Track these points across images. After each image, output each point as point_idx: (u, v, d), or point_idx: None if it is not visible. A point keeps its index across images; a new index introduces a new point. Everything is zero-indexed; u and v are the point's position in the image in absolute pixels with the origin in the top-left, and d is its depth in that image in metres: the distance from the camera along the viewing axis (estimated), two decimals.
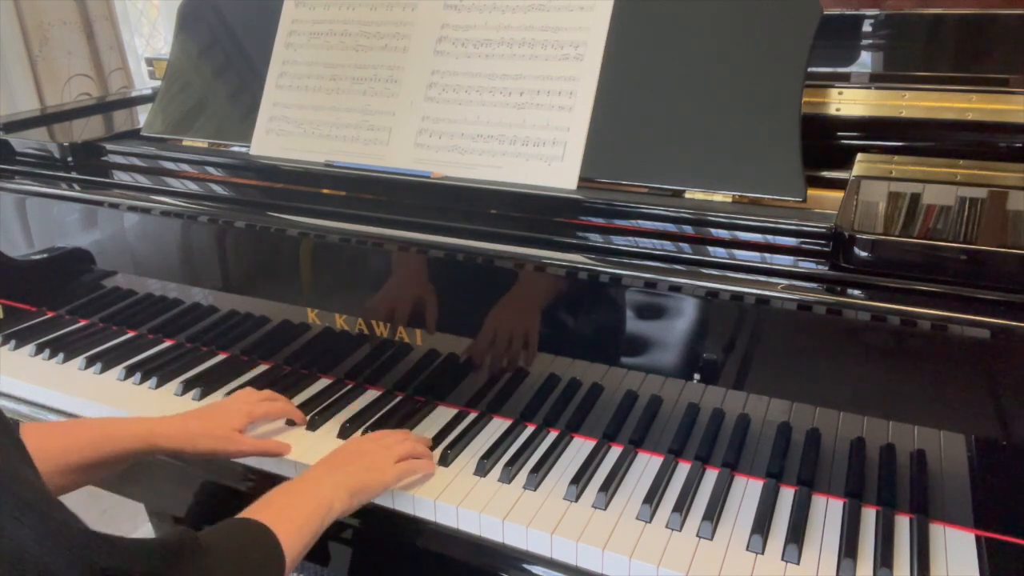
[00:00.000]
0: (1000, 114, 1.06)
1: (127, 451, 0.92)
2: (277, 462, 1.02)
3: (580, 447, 1.03)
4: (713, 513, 0.88)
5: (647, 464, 0.99)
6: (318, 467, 0.92)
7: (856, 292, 0.82)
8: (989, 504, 0.84)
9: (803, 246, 0.89)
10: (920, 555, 0.82)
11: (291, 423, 1.09)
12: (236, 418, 1.01)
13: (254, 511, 0.80)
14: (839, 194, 0.95)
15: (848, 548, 0.83)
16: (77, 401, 1.17)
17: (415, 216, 1.05)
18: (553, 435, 1.04)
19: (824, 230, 0.87)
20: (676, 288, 0.89)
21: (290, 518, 0.81)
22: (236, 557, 0.75)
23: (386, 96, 1.16)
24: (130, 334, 1.34)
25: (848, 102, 1.12)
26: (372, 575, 1.03)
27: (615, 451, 1.01)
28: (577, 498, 0.93)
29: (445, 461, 1.00)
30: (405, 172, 1.11)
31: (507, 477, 0.96)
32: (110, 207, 1.24)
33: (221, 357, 1.27)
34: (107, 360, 1.25)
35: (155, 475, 1.13)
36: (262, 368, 1.23)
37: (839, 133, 1.15)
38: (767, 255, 0.89)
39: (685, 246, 0.92)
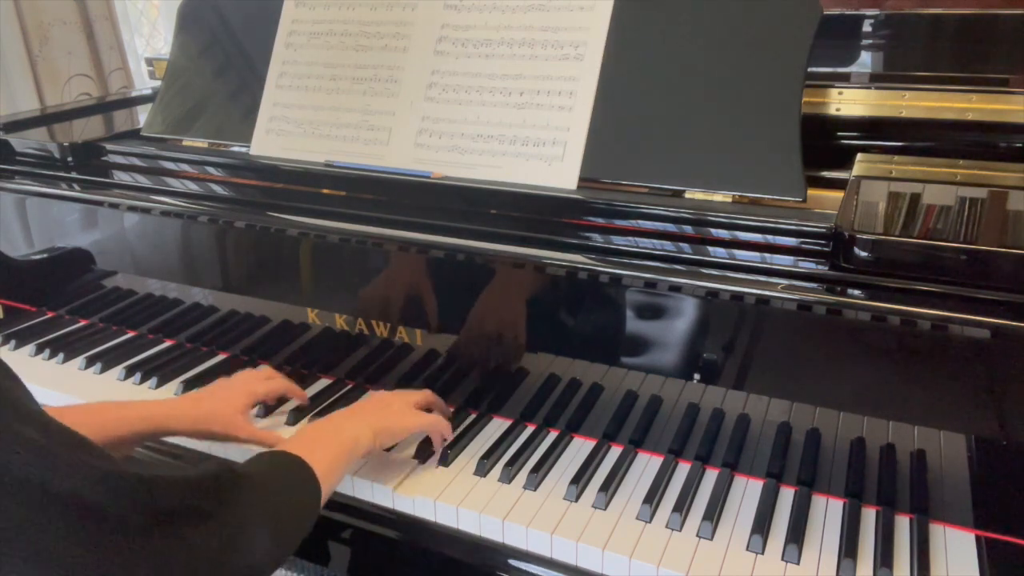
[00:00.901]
0: (1000, 114, 1.06)
1: (137, 433, 0.94)
2: None
3: (580, 447, 1.03)
4: (713, 513, 0.88)
5: (647, 464, 0.99)
6: (342, 411, 0.97)
7: (856, 292, 0.82)
8: (989, 504, 0.84)
9: (803, 246, 0.89)
10: (920, 555, 0.82)
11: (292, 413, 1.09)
12: (241, 399, 1.02)
13: (290, 445, 0.83)
14: (839, 194, 0.95)
15: (848, 548, 0.83)
16: (77, 401, 1.17)
17: (415, 216, 1.05)
18: (553, 435, 1.04)
19: (824, 230, 0.87)
20: (676, 288, 0.89)
21: (322, 453, 0.84)
22: (277, 486, 0.77)
23: (386, 96, 1.16)
24: (130, 334, 1.34)
25: (848, 102, 1.12)
26: (372, 575, 1.03)
27: (615, 451, 1.01)
28: (577, 498, 0.93)
29: (445, 461, 1.00)
30: (405, 172, 1.11)
31: (507, 477, 0.96)
32: (110, 207, 1.24)
33: (221, 357, 1.27)
34: (107, 360, 1.25)
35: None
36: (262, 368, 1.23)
37: (839, 133, 1.15)
38: (767, 255, 0.89)
39: (685, 246, 0.92)
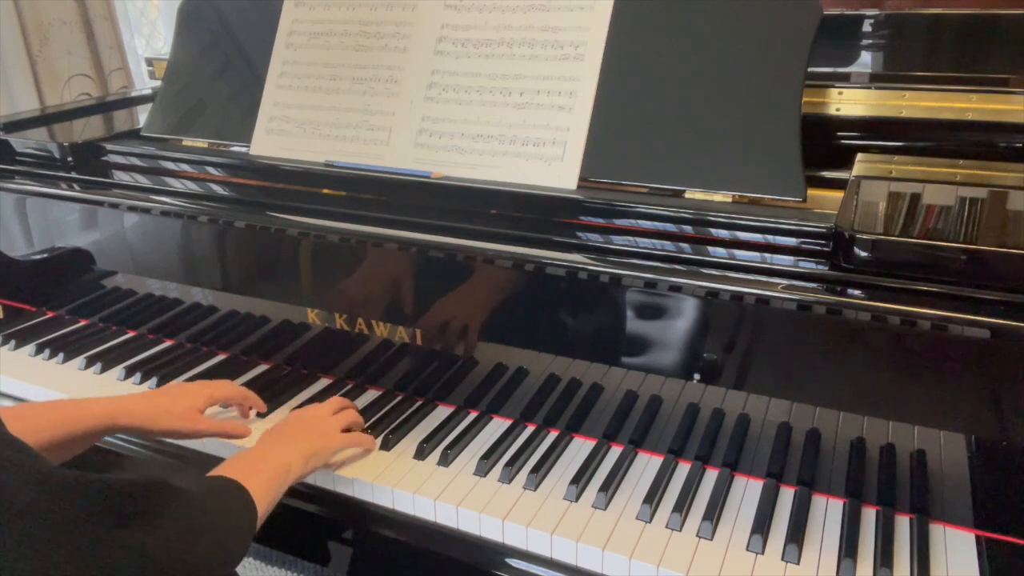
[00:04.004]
0: (1000, 114, 1.06)
1: (92, 429, 0.94)
2: None
3: (580, 447, 1.03)
4: (713, 513, 0.88)
5: (647, 464, 0.99)
6: (271, 436, 0.96)
7: (856, 292, 0.82)
8: (989, 504, 0.84)
9: (803, 246, 0.89)
10: (920, 555, 0.82)
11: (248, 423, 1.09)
12: (198, 399, 1.02)
13: (223, 471, 0.84)
14: (839, 194, 0.95)
15: (848, 548, 0.84)
16: None
17: (415, 216, 1.05)
18: (553, 435, 1.04)
19: (824, 230, 0.87)
20: (676, 288, 0.89)
21: (257, 479, 0.84)
22: (212, 502, 0.77)
23: (386, 96, 1.16)
24: (130, 334, 1.34)
25: (848, 102, 1.12)
26: (371, 575, 1.03)
27: (615, 451, 1.01)
28: (577, 498, 0.93)
29: (445, 461, 1.00)
30: (405, 172, 1.11)
31: (507, 477, 0.96)
32: (110, 207, 1.24)
33: (221, 357, 1.27)
34: (107, 360, 1.25)
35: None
36: (262, 368, 1.23)
37: (839, 133, 1.15)
38: (767, 255, 0.89)
39: (685, 246, 0.92)
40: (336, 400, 1.06)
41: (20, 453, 0.61)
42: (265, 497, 0.84)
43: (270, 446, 0.94)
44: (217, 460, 1.07)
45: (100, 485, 0.64)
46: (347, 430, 1.03)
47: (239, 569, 1.63)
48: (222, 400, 1.07)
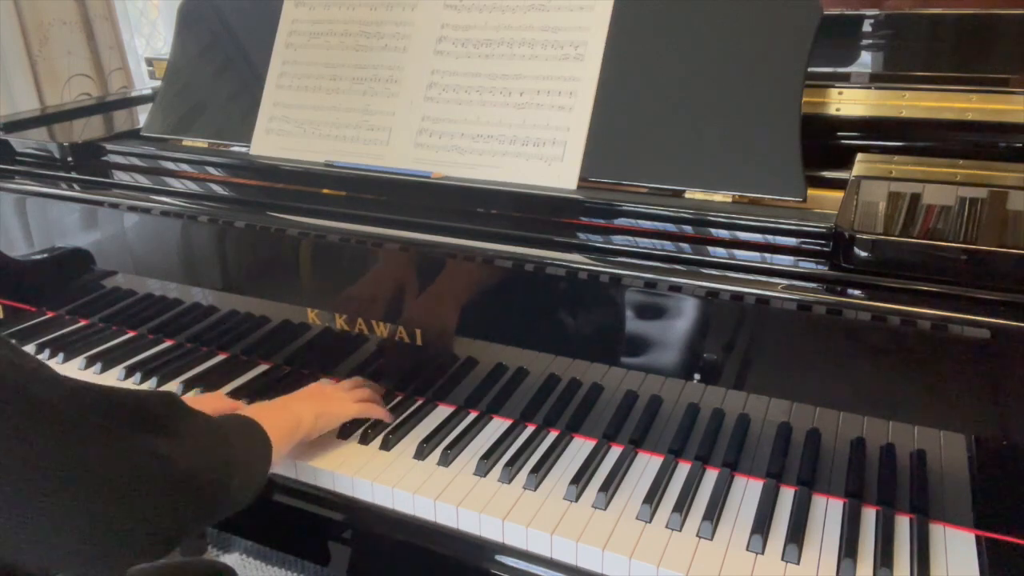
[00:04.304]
0: (1000, 114, 1.06)
1: None
2: (286, 465, 1.02)
3: (580, 447, 1.03)
4: (713, 513, 0.88)
5: (647, 464, 0.99)
6: (285, 397, 1.03)
7: (856, 292, 0.82)
8: (989, 504, 0.84)
9: (803, 246, 0.89)
10: (920, 555, 0.82)
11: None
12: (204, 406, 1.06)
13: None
14: (839, 194, 0.95)
15: (848, 548, 0.84)
16: None
17: (415, 216, 1.05)
18: (553, 435, 1.04)
19: (824, 230, 0.87)
20: (676, 288, 0.89)
21: (271, 422, 0.89)
22: (228, 428, 0.84)
23: (386, 96, 1.16)
24: (130, 334, 1.34)
25: (848, 102, 1.12)
26: (371, 575, 1.03)
27: (615, 451, 1.01)
28: (577, 498, 0.93)
29: (446, 461, 1.00)
30: (405, 172, 1.11)
31: (507, 477, 0.96)
32: (110, 207, 1.24)
33: (221, 357, 1.27)
34: (107, 360, 1.25)
35: None
36: (262, 368, 1.23)
37: (839, 133, 1.15)
38: (767, 255, 0.89)
39: (685, 246, 0.92)
40: (355, 379, 1.12)
41: (47, 369, 0.66)
42: (278, 441, 0.89)
43: (282, 401, 1.00)
44: None
45: (125, 397, 0.70)
46: None
47: (239, 569, 1.63)
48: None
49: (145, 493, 0.67)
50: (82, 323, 1.38)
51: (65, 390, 0.65)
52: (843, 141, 1.15)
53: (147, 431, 0.70)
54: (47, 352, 1.29)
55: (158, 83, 1.48)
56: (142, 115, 1.46)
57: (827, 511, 0.90)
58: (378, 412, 1.07)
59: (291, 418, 0.95)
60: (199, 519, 0.75)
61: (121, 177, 1.29)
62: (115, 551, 0.67)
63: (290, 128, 1.23)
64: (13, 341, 1.31)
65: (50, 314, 1.41)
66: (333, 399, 1.03)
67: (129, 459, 0.67)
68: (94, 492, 0.64)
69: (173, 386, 1.18)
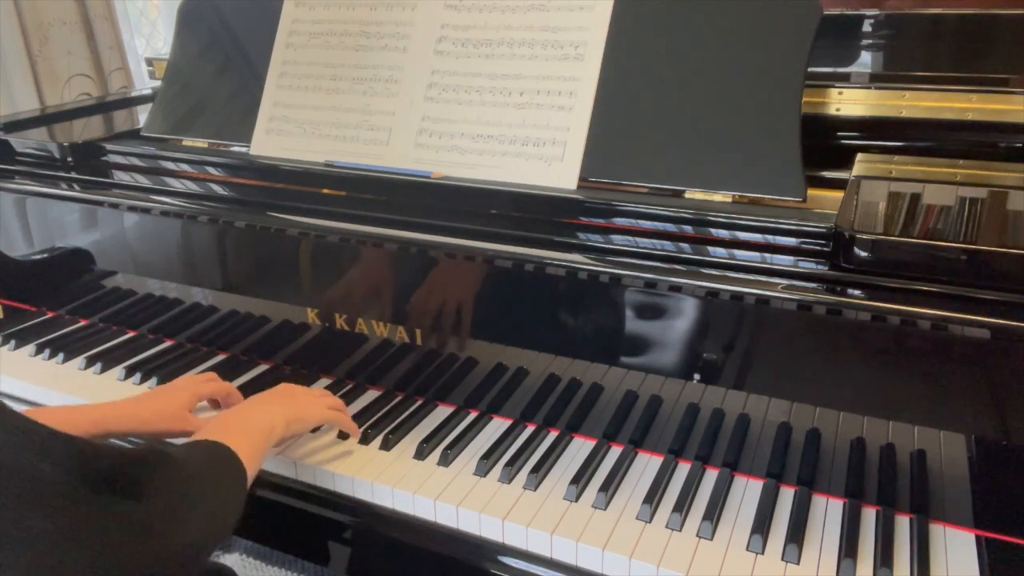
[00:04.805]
0: (1000, 114, 1.06)
1: (86, 435, 0.95)
2: (280, 462, 1.02)
3: (580, 447, 1.03)
4: (713, 513, 0.88)
5: (647, 464, 0.99)
6: (254, 398, 0.99)
7: (856, 292, 0.82)
8: (989, 504, 0.84)
9: (803, 246, 0.89)
10: (920, 555, 0.82)
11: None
12: (184, 397, 1.04)
13: (209, 434, 0.85)
14: (839, 194, 0.95)
15: (848, 548, 0.84)
16: (77, 401, 1.17)
17: (415, 216, 1.05)
18: (553, 435, 1.04)
19: (824, 230, 0.87)
20: (676, 288, 0.89)
21: (243, 439, 0.86)
22: (204, 469, 0.80)
23: (386, 96, 1.16)
24: (130, 334, 1.34)
25: (848, 102, 1.12)
26: (371, 575, 1.03)
27: (615, 451, 1.01)
28: (577, 498, 0.93)
29: (445, 461, 1.00)
30: (405, 172, 1.11)
31: (507, 477, 0.96)
32: (110, 207, 1.24)
33: (221, 357, 1.27)
34: (107, 360, 1.25)
35: None
36: (262, 368, 1.23)
37: (839, 133, 1.15)
38: (767, 255, 0.89)
39: (685, 246, 0.92)
40: (322, 390, 1.10)
41: (21, 419, 0.63)
42: (253, 459, 0.86)
43: (253, 405, 0.96)
44: None
45: (98, 453, 0.67)
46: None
47: (239, 569, 1.63)
48: (207, 396, 1.09)
49: (120, 560, 0.64)
50: (82, 323, 1.38)
51: (36, 442, 0.61)
52: (843, 141, 1.15)
53: (118, 493, 0.66)
54: (47, 352, 1.29)
55: (158, 83, 1.48)
56: (142, 115, 1.46)
57: (827, 511, 0.90)
58: (347, 423, 1.04)
59: (264, 427, 0.91)
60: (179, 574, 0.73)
61: (121, 177, 1.29)
62: None
63: (290, 128, 1.23)
64: (13, 342, 1.32)
65: (50, 314, 1.41)
66: (304, 403, 1.00)
67: (99, 527, 0.63)
68: (67, 563, 0.60)
69: None
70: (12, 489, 0.59)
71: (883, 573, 0.80)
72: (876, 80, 1.19)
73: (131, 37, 2.54)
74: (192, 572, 0.73)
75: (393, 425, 1.06)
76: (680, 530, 0.88)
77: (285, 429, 0.95)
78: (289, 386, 1.04)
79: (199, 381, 1.09)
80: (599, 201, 0.99)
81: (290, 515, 1.02)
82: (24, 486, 0.59)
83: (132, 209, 1.22)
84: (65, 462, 0.63)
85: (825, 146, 1.12)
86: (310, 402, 1.01)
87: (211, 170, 1.25)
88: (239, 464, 0.83)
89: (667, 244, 0.93)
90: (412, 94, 1.15)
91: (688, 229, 0.94)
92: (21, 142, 1.37)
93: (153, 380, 1.19)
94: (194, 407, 1.05)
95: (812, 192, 0.95)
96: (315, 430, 1.06)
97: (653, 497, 0.91)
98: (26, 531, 0.58)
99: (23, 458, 0.60)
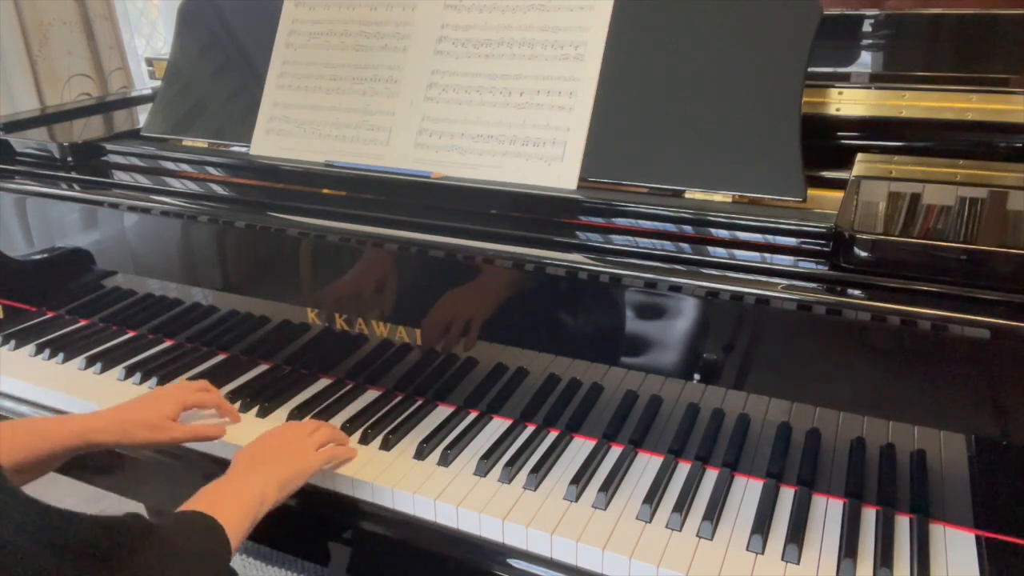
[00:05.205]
0: (1000, 114, 1.06)
1: (64, 448, 0.94)
2: None
3: (580, 447, 1.03)
4: (713, 513, 0.88)
5: (647, 464, 0.99)
6: (243, 461, 0.93)
7: (856, 292, 0.82)
8: (989, 504, 0.84)
9: (803, 246, 0.89)
10: (920, 555, 0.82)
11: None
12: (168, 406, 1.02)
13: (194, 504, 0.83)
14: (839, 194, 0.95)
15: (848, 548, 0.84)
16: (77, 401, 1.17)
17: (415, 216, 1.05)
18: (553, 435, 1.04)
19: (824, 230, 0.87)
20: (676, 288, 0.89)
21: (231, 511, 0.83)
22: (185, 541, 0.77)
23: (386, 96, 1.16)
24: (130, 334, 1.34)
25: (848, 102, 1.12)
26: (371, 575, 1.03)
27: (615, 451, 1.01)
28: (577, 498, 0.93)
29: (445, 461, 1.00)
30: (405, 172, 1.11)
31: (507, 477, 0.96)
32: (110, 207, 1.24)
33: (221, 357, 1.27)
34: (107, 360, 1.25)
35: (155, 475, 1.13)
36: (262, 368, 1.23)
37: (839, 133, 1.15)
38: (767, 255, 0.89)
39: (685, 246, 0.92)
40: (311, 422, 1.05)
41: (3, 491, 0.61)
42: (238, 529, 0.83)
43: (243, 474, 0.91)
44: (216, 459, 1.07)
45: (77, 526, 0.65)
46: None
47: (240, 569, 1.63)
48: (192, 405, 1.07)
49: None
50: (82, 323, 1.38)
51: (18, 521, 0.61)
52: (843, 141, 1.15)
53: (98, 567, 0.65)
54: (47, 352, 1.29)
55: (158, 83, 1.48)
56: (142, 115, 1.46)
57: (827, 511, 0.90)
58: (343, 454, 1.00)
59: (254, 498, 0.87)
60: None
61: (121, 177, 1.29)
62: None
63: (290, 128, 1.23)
64: (13, 342, 1.32)
65: (50, 314, 1.41)
66: (296, 456, 0.95)
67: None
68: None
69: None
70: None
71: (883, 573, 0.80)
72: (876, 80, 1.19)
73: (131, 37, 2.54)
74: None
75: (393, 425, 1.06)
76: (680, 530, 0.88)
77: (278, 494, 0.90)
78: (278, 435, 0.98)
79: (188, 389, 1.08)
80: (599, 201, 0.99)
81: (290, 515, 1.01)
82: (5, 560, 0.59)
83: (132, 209, 1.22)
84: (40, 535, 0.62)
85: (825, 146, 1.12)
86: (301, 450, 0.96)
87: (211, 170, 1.25)
88: (223, 538, 0.80)
89: (667, 244, 0.93)
90: (412, 94, 1.15)
91: (688, 229, 0.94)
92: (21, 142, 1.37)
93: (153, 380, 1.19)
94: (178, 416, 1.03)
95: (812, 192, 0.95)
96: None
97: (653, 497, 0.91)
98: None
99: (4, 533, 0.59)
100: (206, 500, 0.84)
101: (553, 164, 1.04)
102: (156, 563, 0.71)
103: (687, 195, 0.99)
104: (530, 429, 1.06)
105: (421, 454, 1.01)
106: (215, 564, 0.79)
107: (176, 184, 1.23)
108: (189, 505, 0.83)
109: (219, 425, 1.07)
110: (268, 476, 0.90)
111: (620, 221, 0.97)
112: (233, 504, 0.84)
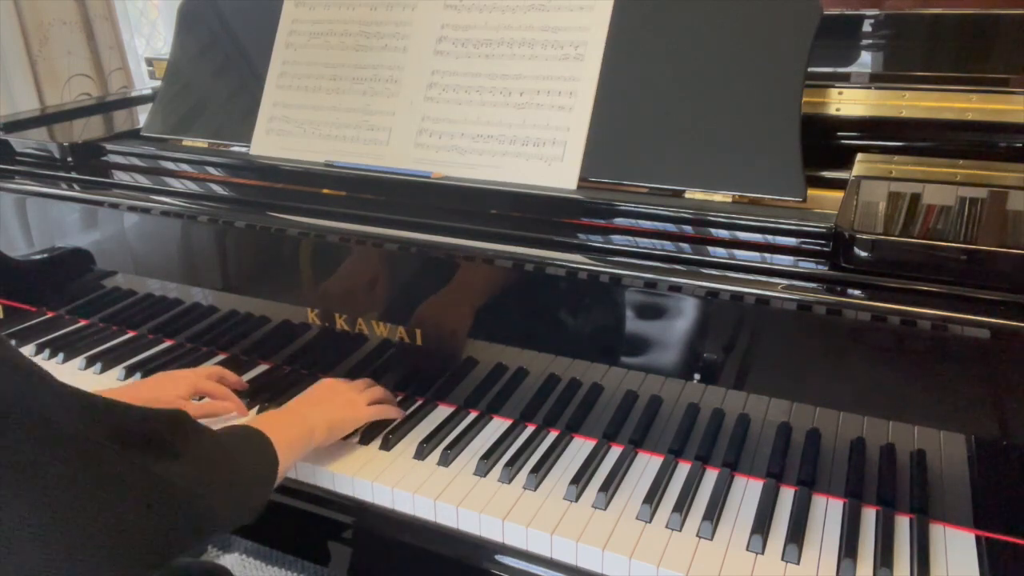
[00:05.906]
0: (1000, 114, 1.06)
1: None
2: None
3: (580, 447, 1.03)
4: (713, 513, 0.88)
5: (647, 464, 0.99)
6: (300, 398, 1.02)
7: (856, 292, 0.82)
8: (989, 504, 0.84)
9: (803, 246, 0.89)
10: (920, 555, 0.82)
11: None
12: (182, 386, 1.05)
13: (250, 423, 0.87)
14: (839, 194, 0.95)
15: (848, 548, 0.84)
16: None
17: (415, 216, 1.05)
18: (553, 435, 1.04)
19: (824, 230, 0.87)
20: (676, 288, 0.89)
21: (282, 435, 0.87)
22: (236, 445, 0.81)
23: (386, 96, 1.16)
24: (130, 334, 1.34)
25: (848, 102, 1.12)
26: (371, 575, 1.03)
27: (615, 451, 1.01)
28: (577, 498, 0.93)
29: (445, 461, 1.00)
30: (405, 172, 1.11)
31: (507, 477, 0.96)
32: (110, 207, 1.24)
33: (221, 357, 1.27)
34: (107, 360, 1.25)
35: None
36: (262, 368, 1.23)
37: (839, 133, 1.15)
38: (767, 255, 0.89)
39: (685, 246, 0.92)
40: (364, 380, 1.10)
41: (58, 383, 0.63)
42: (287, 453, 0.87)
43: (298, 406, 0.98)
44: None
45: (134, 414, 0.68)
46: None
47: (239, 569, 1.63)
48: (203, 391, 1.09)
49: (143, 517, 0.65)
50: (82, 323, 1.38)
51: (76, 408, 0.63)
52: (843, 141, 1.15)
53: (153, 454, 0.68)
54: (47, 352, 1.29)
55: (158, 83, 1.48)
56: (142, 115, 1.46)
57: (827, 511, 0.90)
58: (392, 412, 1.06)
59: (304, 430, 0.92)
60: (191, 542, 0.72)
61: (121, 177, 1.29)
62: (102, 570, 0.63)
63: (290, 128, 1.23)
64: (13, 342, 1.32)
65: (50, 314, 1.41)
66: (347, 404, 1.01)
67: (135, 485, 0.65)
68: (93, 517, 0.61)
69: None
70: (57, 449, 0.60)
71: (883, 573, 0.80)
72: (876, 80, 1.19)
73: (131, 37, 2.54)
74: (201, 545, 0.73)
75: (393, 425, 1.06)
76: (680, 530, 0.88)
77: (327, 434, 0.96)
78: (332, 385, 1.05)
79: (202, 375, 1.10)
80: (599, 201, 0.99)
81: (290, 515, 1.02)
82: (43, 432, 0.60)
83: (132, 209, 1.22)
84: (103, 419, 0.64)
85: (825, 146, 1.12)
86: (352, 401, 1.02)
87: (211, 170, 1.25)
88: (273, 453, 0.84)
89: (667, 244, 0.93)
90: (412, 94, 1.15)
91: (688, 229, 0.94)
92: (21, 142, 1.37)
93: None
94: (191, 396, 1.06)
95: (812, 192, 0.95)
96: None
97: (653, 497, 0.91)
98: (42, 476, 0.59)
99: (67, 419, 0.61)
100: (262, 421, 0.89)
101: (553, 164, 1.04)
102: (206, 458, 0.73)
103: (687, 195, 0.99)
104: (530, 429, 1.06)
105: (421, 454, 1.01)
106: (263, 476, 0.82)
107: (176, 184, 1.23)
108: (245, 422, 0.87)
109: (227, 403, 1.08)
110: (320, 415, 0.96)
111: (620, 221, 0.97)
112: (286, 431, 0.89)
